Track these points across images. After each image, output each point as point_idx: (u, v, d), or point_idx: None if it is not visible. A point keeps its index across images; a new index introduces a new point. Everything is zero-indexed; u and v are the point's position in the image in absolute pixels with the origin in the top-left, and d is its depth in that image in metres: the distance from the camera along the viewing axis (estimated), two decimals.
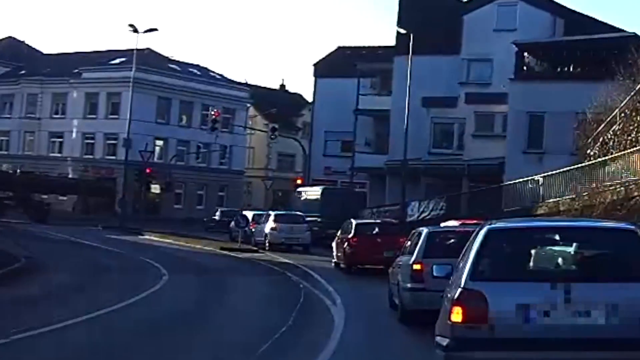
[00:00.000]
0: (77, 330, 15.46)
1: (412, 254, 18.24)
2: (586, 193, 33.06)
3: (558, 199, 36.15)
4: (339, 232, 35.10)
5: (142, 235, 53.39)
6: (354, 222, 34.53)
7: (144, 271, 28.82)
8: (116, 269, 29.92)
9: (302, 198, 55.70)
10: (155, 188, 74.91)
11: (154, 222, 60.23)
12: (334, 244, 35.74)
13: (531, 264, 9.43)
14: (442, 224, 24.83)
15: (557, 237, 9.68)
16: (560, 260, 9.49)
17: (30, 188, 68.46)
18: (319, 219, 47.25)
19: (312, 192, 55.21)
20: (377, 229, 33.90)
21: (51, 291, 22.12)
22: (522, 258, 9.44)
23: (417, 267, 17.52)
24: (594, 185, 33.19)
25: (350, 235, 32.97)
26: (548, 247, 9.63)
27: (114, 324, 16.60)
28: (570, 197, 34.69)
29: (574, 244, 9.46)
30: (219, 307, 20.24)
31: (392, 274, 20.10)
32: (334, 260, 35.03)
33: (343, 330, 16.04)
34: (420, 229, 19.60)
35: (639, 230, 9.41)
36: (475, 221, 21.86)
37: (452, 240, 17.80)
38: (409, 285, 17.58)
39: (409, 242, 19.85)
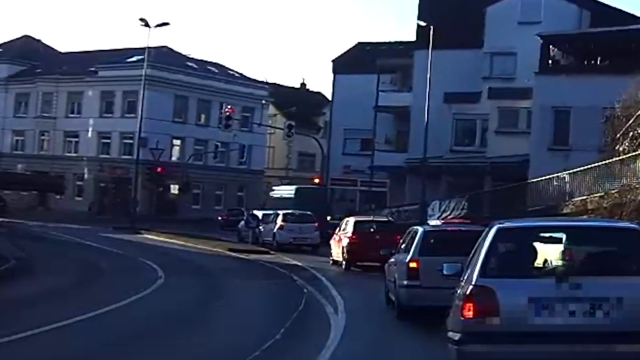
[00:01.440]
0: (47, 340, 14.27)
1: (408, 252, 18.54)
2: (615, 191, 32.08)
3: (585, 197, 35.18)
4: (337, 230, 35.66)
5: (143, 235, 52.48)
6: (352, 220, 35.17)
7: (139, 273, 27.45)
8: (110, 271, 28.67)
9: (275, 196, 56.48)
10: (174, 188, 74.00)
11: (169, 223, 59.24)
12: (331, 242, 36.23)
13: (539, 260, 9.91)
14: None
15: (563, 236, 10.02)
16: (566, 257, 9.87)
17: None
18: None
19: (286, 191, 56.36)
20: (375, 227, 34.44)
21: (30, 296, 20.66)
22: (530, 255, 9.93)
23: (413, 265, 17.95)
24: (623, 182, 32.08)
25: (349, 233, 33.50)
26: (555, 245, 9.97)
27: (90, 332, 15.35)
28: (599, 195, 33.46)
29: (578, 242, 9.99)
30: (206, 316, 18.64)
31: (388, 272, 20.42)
32: (331, 258, 35.49)
33: (337, 345, 14.42)
34: (416, 227, 19.79)
35: None
36: (459, 221, 23.54)
37: (448, 239, 17.99)
38: (405, 282, 17.99)
39: (405, 241, 20.02)
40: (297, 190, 55.05)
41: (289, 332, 15.72)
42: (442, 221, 25.64)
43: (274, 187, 59.38)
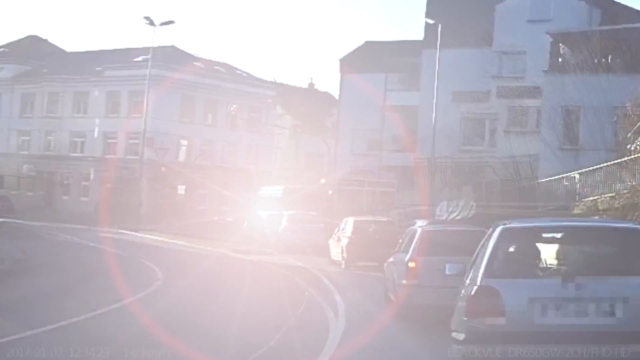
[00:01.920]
0: (41, 342, 13.87)
1: (407, 251, 18.62)
2: (627, 191, 31.21)
3: (596, 197, 34.30)
4: (336, 230, 36.08)
5: (147, 235, 52.28)
6: (351, 219, 35.49)
7: (138, 275, 26.88)
8: (108, 272, 27.80)
9: (264, 196, 56.74)
10: (180, 189, 73.67)
11: (175, 223, 58.73)
12: (330, 242, 36.60)
13: (543, 261, 10.01)
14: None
15: (567, 236, 10.17)
16: (570, 257, 10.02)
17: None
18: None
19: (274, 191, 56.86)
20: (373, 227, 34.87)
21: (23, 297, 20.15)
22: (535, 256, 9.99)
23: (412, 264, 18.07)
24: (635, 182, 31.35)
25: (348, 233, 34.05)
26: (559, 245, 10.11)
27: (83, 335, 14.96)
28: (610, 195, 32.73)
29: (582, 243, 10.12)
30: (200, 319, 17.97)
31: (388, 271, 20.65)
32: (331, 258, 35.89)
33: (334, 351, 13.92)
34: (415, 227, 19.74)
35: None
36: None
37: (447, 239, 18.01)
38: (404, 281, 18.16)
39: (404, 240, 19.99)
40: (285, 190, 55.35)
41: (286, 336, 15.20)
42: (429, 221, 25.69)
43: (261, 187, 59.39)
